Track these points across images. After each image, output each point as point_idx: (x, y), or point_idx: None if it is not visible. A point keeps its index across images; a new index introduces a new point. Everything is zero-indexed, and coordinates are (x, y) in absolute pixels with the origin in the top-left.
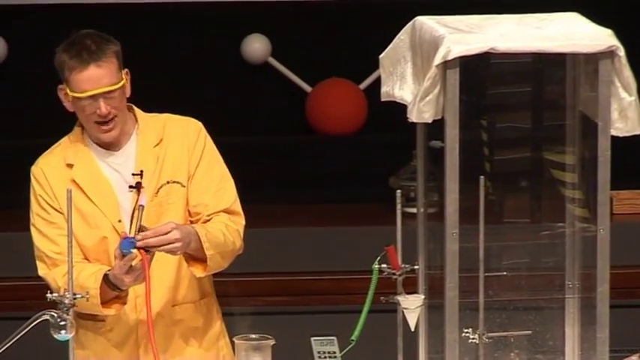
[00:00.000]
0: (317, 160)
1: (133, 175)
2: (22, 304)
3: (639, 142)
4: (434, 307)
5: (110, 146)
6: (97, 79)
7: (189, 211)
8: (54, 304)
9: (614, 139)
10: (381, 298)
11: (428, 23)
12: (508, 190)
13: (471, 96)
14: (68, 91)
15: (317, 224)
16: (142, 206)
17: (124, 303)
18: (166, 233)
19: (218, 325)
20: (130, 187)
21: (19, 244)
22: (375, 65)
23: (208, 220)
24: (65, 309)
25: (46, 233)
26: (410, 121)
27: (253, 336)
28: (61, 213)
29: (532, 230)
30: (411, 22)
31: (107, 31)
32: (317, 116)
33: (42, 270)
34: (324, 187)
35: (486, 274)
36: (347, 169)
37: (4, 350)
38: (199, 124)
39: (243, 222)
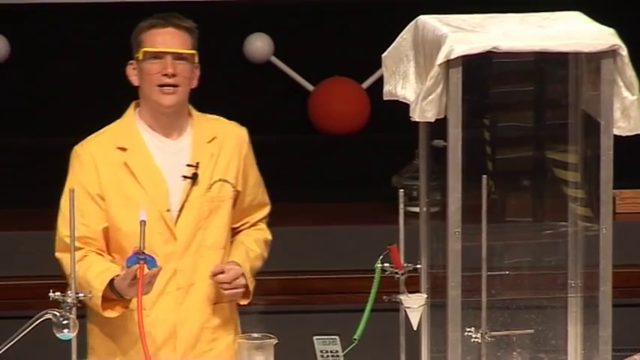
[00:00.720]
0: (319, 159)
1: (188, 165)
2: (24, 303)
3: None
4: (436, 306)
5: (167, 132)
6: (172, 39)
7: (234, 214)
8: (57, 304)
9: (616, 138)
10: (384, 297)
11: (430, 22)
12: (510, 189)
13: (474, 95)
14: (140, 53)
15: (319, 223)
16: (144, 221)
17: (127, 307)
18: (237, 279)
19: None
20: (184, 177)
21: (22, 243)
22: (377, 64)
23: (253, 227)
24: (68, 308)
25: (69, 216)
26: (412, 120)
27: (256, 335)
28: (93, 200)
29: (534, 229)
30: (413, 21)
31: (109, 30)
32: (319, 115)
33: (57, 252)
34: (327, 186)
35: (489, 273)
36: (349, 168)
37: (6, 349)
38: (246, 131)
39: (269, 210)
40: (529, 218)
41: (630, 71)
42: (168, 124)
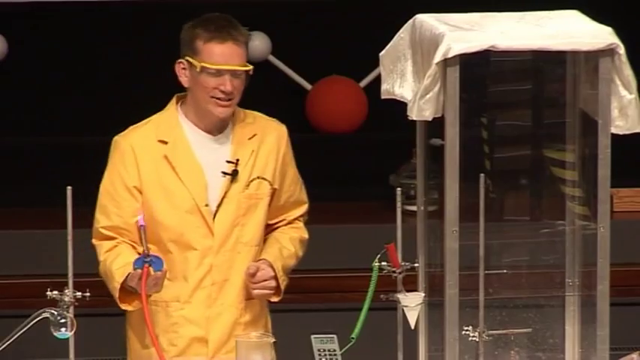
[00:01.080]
0: (317, 158)
1: (228, 162)
2: (22, 301)
3: (639, 139)
4: (434, 305)
5: (209, 130)
6: (231, 55)
7: (270, 211)
8: (54, 302)
9: (614, 136)
10: (381, 295)
11: (428, 21)
12: (508, 188)
13: (471, 94)
14: (195, 62)
15: (317, 222)
16: (144, 226)
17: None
18: (267, 280)
19: (270, 323)
20: (224, 173)
21: (19, 242)
22: (375, 63)
23: (289, 224)
24: (65, 307)
25: (105, 205)
26: (410, 118)
27: (254, 334)
28: (129, 193)
29: (532, 228)
30: (411, 20)
31: (108, 29)
32: (317, 114)
33: (94, 239)
34: (325, 185)
35: (486, 271)
36: (347, 167)
37: (4, 348)
38: (285, 129)
39: (307, 208)
40: (527, 217)
41: (628, 70)
42: (214, 124)
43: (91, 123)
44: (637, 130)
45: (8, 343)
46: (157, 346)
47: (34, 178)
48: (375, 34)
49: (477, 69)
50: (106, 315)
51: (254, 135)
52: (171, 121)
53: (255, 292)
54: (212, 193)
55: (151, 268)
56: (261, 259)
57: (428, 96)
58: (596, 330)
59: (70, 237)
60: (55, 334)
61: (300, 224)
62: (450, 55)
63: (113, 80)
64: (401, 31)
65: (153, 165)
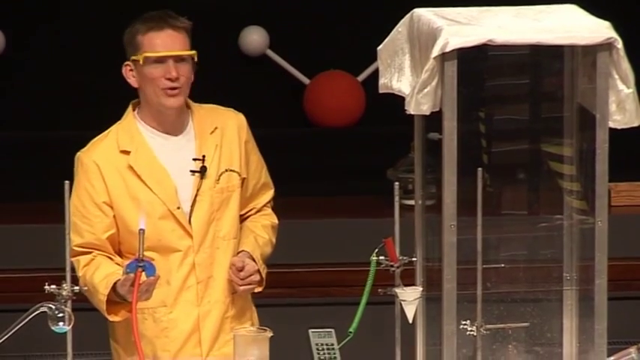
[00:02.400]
0: (315, 152)
1: (195, 159)
2: (20, 296)
3: (637, 134)
4: (432, 299)
5: (169, 130)
6: (172, 42)
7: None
8: (52, 296)
9: (612, 131)
10: (379, 290)
11: (426, 15)
12: (506, 182)
13: (469, 88)
14: (138, 56)
15: (315, 216)
16: (143, 230)
17: (130, 311)
18: (252, 275)
19: (255, 314)
20: (192, 171)
21: (17, 236)
22: (373, 57)
23: (257, 212)
24: (63, 301)
25: (77, 223)
26: (408, 113)
27: (251, 328)
28: (99, 209)
29: (530, 222)
30: (408, 14)
31: (105, 25)
32: (315, 108)
33: (71, 257)
34: (322, 179)
35: (484, 266)
36: (345, 161)
37: (2, 342)
38: (242, 116)
39: (272, 192)
40: (524, 211)
41: (626, 64)
42: (171, 123)
43: (89, 118)
44: (635, 125)
45: (6, 337)
46: (141, 354)
47: (31, 173)
48: (372, 28)
49: (475, 63)
50: None
51: (215, 128)
52: (131, 129)
53: (242, 288)
54: (183, 194)
55: (143, 274)
56: (240, 251)
57: (425, 90)
58: (594, 324)
59: (67, 231)
60: (52, 328)
61: (269, 210)
62: (447, 50)
63: (111, 76)
64: (399, 25)
65: (119, 177)
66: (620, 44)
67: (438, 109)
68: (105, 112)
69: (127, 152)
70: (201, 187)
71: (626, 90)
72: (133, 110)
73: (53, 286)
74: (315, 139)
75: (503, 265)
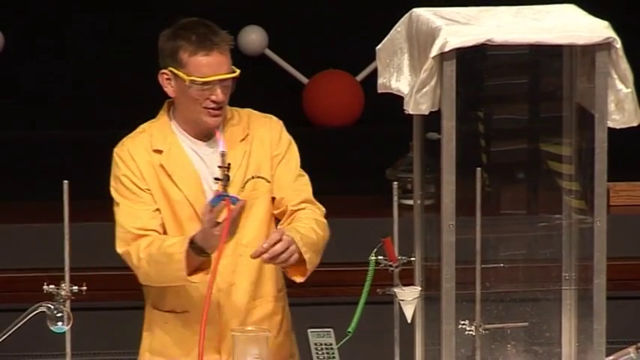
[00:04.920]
0: (313, 151)
1: (220, 167)
2: (18, 295)
3: (636, 133)
4: (430, 299)
5: (201, 136)
6: (219, 65)
7: (273, 204)
8: (50, 296)
9: (610, 130)
10: (378, 289)
11: (425, 15)
12: (505, 182)
13: (468, 88)
14: (183, 75)
15: None
16: (224, 152)
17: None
18: (288, 247)
19: (289, 317)
20: (216, 178)
21: (17, 236)
22: (371, 57)
23: (294, 213)
24: (62, 301)
25: (131, 209)
26: (406, 112)
27: (250, 328)
28: (147, 192)
29: (529, 222)
30: (407, 14)
31: (103, 20)
32: (314, 108)
33: (121, 248)
34: (321, 178)
35: (483, 265)
36: (343, 160)
37: (1, 341)
38: (280, 122)
39: (324, 209)
40: (523, 211)
41: (624, 64)
42: (204, 133)
43: (88, 117)
44: (633, 124)
45: (5, 337)
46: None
47: (31, 172)
48: (371, 27)
49: (474, 63)
50: (103, 309)
51: (246, 135)
52: (164, 129)
53: (265, 255)
54: (209, 199)
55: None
56: (275, 231)
57: (424, 90)
58: (593, 324)
59: (66, 231)
60: (51, 328)
61: (310, 208)
62: (446, 49)
63: (111, 75)
64: (397, 24)
65: (153, 173)
66: (619, 44)
67: (436, 109)
68: (105, 113)
69: (159, 151)
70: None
71: (625, 90)
72: (168, 110)
73: (52, 286)
74: (314, 138)
75: (502, 265)
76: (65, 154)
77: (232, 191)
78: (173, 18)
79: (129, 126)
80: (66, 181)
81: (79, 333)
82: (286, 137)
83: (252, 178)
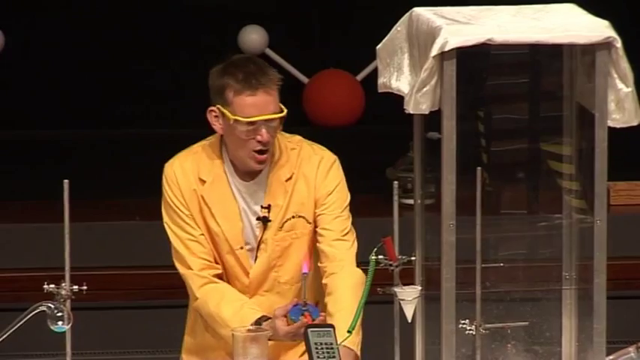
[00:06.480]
0: None
1: (262, 207)
2: (19, 295)
3: (636, 133)
4: (431, 299)
5: (247, 175)
6: (264, 105)
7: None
8: (51, 296)
9: (611, 130)
10: (378, 289)
11: (425, 14)
12: (505, 182)
13: (468, 87)
14: (228, 113)
15: None
16: (306, 274)
17: None
18: None
19: None
20: (257, 218)
21: (17, 235)
22: (372, 57)
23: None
24: (62, 300)
25: (179, 235)
26: (407, 112)
27: (250, 327)
28: (190, 217)
29: (529, 221)
30: (407, 14)
31: (103, 20)
32: (314, 108)
33: (181, 269)
34: None
35: (483, 265)
36: (344, 160)
37: (1, 341)
38: (333, 158)
39: (356, 243)
40: (524, 210)
41: (625, 63)
42: (249, 172)
43: (89, 117)
44: (634, 124)
45: (5, 336)
46: None
47: (31, 172)
48: (371, 27)
49: (474, 62)
50: (103, 308)
51: (292, 175)
52: (214, 156)
53: None
54: (249, 234)
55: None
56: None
57: (425, 89)
58: (593, 323)
59: (66, 230)
60: (51, 327)
61: (348, 260)
62: (446, 49)
63: (112, 75)
64: (398, 24)
65: (195, 200)
66: (619, 43)
67: (437, 109)
68: (106, 113)
69: (203, 181)
70: (264, 235)
71: (625, 89)
72: (221, 139)
73: (52, 286)
74: (314, 138)
75: (502, 265)
76: (65, 154)
77: (270, 233)
78: (177, 17)
79: (129, 126)
80: (66, 181)
81: (79, 333)
82: (335, 175)
83: (293, 217)
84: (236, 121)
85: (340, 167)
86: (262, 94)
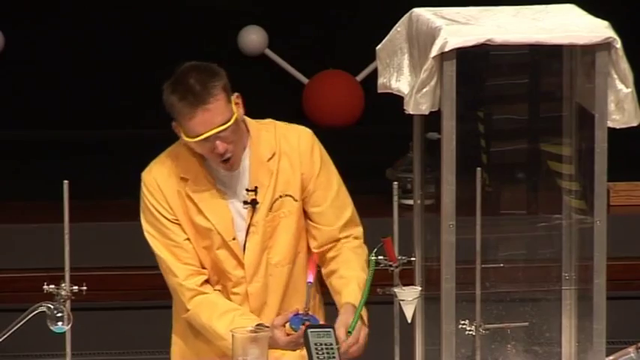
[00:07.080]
0: None
1: (247, 191)
2: (19, 295)
3: (636, 133)
4: (430, 299)
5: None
6: (209, 120)
7: (310, 225)
8: (51, 296)
9: (610, 130)
10: (378, 289)
11: (425, 15)
12: (505, 182)
13: (468, 87)
14: (182, 133)
15: None
16: (310, 283)
17: None
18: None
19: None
20: (245, 202)
21: (17, 235)
22: (371, 57)
23: (336, 244)
24: (62, 301)
25: (162, 243)
26: (407, 112)
27: (250, 327)
28: (175, 223)
29: (529, 222)
30: (407, 14)
31: (103, 20)
32: (314, 108)
33: (169, 281)
34: None
35: (483, 265)
36: (343, 160)
37: (1, 341)
38: (309, 133)
39: (361, 229)
40: (523, 211)
41: (624, 64)
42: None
43: (89, 117)
44: (633, 124)
45: (5, 337)
46: None
47: (31, 172)
48: (371, 27)
49: (474, 63)
50: (103, 309)
51: (273, 154)
52: (190, 156)
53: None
54: (239, 222)
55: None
56: (345, 312)
57: (424, 90)
58: (593, 324)
59: (66, 231)
60: (51, 328)
61: (357, 242)
62: (446, 49)
63: (112, 75)
64: (397, 24)
65: (180, 201)
66: (619, 44)
67: (436, 109)
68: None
69: (185, 180)
70: (254, 218)
71: (625, 89)
72: None
73: (52, 286)
74: None
75: (502, 265)
76: (65, 154)
77: (260, 215)
78: (177, 17)
79: (129, 126)
80: (66, 181)
81: (79, 333)
82: (318, 153)
83: (280, 197)
84: (188, 140)
85: (318, 140)
86: (202, 112)
